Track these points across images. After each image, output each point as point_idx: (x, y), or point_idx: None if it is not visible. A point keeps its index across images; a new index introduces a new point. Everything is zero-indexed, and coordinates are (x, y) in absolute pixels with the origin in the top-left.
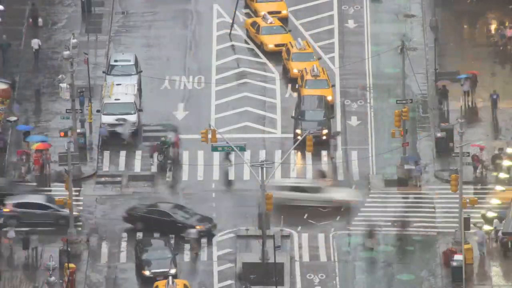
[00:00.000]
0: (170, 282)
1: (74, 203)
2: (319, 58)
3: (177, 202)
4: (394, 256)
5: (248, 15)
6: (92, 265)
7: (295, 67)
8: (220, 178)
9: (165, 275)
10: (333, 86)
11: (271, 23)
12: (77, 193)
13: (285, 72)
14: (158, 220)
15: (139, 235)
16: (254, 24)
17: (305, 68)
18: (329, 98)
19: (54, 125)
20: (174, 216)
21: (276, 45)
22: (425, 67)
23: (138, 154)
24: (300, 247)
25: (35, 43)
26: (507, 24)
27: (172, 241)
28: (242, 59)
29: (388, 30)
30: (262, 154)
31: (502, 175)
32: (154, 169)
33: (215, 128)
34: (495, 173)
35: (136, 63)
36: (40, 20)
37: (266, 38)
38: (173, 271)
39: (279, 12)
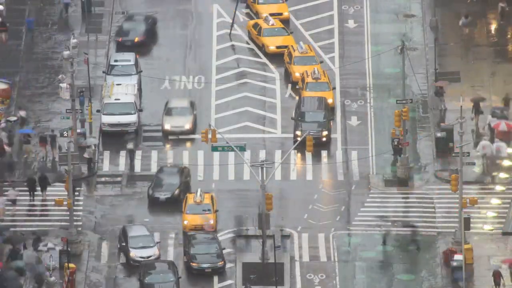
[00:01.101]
0: None
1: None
2: (321, 62)
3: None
4: (394, 256)
5: (249, 16)
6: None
7: (297, 71)
8: None
9: None
10: (334, 89)
11: (272, 25)
12: (77, 193)
13: (287, 75)
14: None
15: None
16: (255, 26)
17: (306, 71)
18: (330, 101)
19: (54, 125)
20: None
21: (278, 47)
22: (425, 67)
23: (138, 154)
24: (300, 247)
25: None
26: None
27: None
28: (242, 59)
29: (388, 30)
30: (262, 154)
31: (502, 175)
32: (153, 169)
33: (215, 128)
34: (495, 173)
35: (136, 63)
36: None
37: (268, 40)
38: None
39: (281, 14)
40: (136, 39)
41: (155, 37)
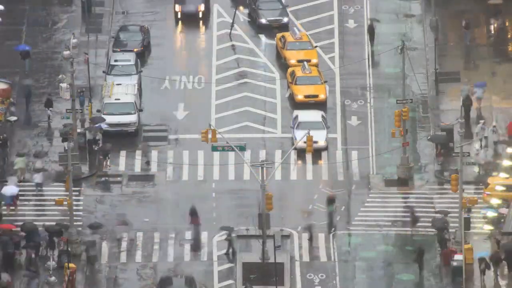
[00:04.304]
0: None
1: (74, 203)
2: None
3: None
4: (394, 256)
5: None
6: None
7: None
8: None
9: None
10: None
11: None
12: (77, 193)
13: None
14: None
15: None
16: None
17: (303, 61)
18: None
19: (54, 125)
20: None
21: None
22: (425, 67)
23: (138, 154)
24: (300, 247)
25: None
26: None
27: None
28: (242, 59)
29: (388, 30)
30: (262, 154)
31: (502, 175)
32: (154, 168)
33: (215, 128)
34: (495, 173)
35: (137, 63)
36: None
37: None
38: None
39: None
40: (136, 50)
41: (149, 47)
